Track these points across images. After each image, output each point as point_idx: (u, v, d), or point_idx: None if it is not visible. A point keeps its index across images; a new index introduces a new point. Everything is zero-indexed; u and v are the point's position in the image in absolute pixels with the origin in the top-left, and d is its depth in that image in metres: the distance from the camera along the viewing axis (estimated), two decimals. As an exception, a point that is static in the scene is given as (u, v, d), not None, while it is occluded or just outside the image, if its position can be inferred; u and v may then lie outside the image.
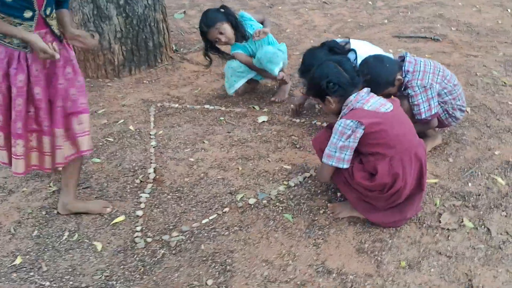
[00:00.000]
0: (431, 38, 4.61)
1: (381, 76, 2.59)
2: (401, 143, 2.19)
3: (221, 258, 2.21)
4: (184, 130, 3.29)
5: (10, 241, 2.41)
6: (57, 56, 2.09)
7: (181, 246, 2.30)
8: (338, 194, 2.58)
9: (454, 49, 4.36)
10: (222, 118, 3.42)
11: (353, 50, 2.82)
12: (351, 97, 2.23)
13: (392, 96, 2.48)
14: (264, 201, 2.56)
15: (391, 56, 3.02)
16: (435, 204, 2.47)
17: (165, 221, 2.47)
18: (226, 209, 2.51)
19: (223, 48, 3.62)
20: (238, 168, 2.84)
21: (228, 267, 2.16)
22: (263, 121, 3.35)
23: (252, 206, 2.53)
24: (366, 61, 2.67)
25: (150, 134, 3.25)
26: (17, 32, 2.04)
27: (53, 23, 2.20)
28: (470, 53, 4.25)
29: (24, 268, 2.24)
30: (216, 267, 2.16)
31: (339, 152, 2.20)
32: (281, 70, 3.42)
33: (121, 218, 2.50)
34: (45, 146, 2.30)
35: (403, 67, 2.65)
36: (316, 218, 2.43)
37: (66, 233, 2.43)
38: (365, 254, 2.20)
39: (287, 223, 2.40)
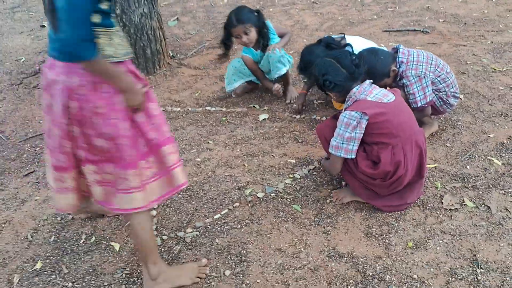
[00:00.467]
0: (420, 30, 4.73)
1: (377, 68, 2.69)
2: (404, 132, 2.29)
3: (236, 250, 2.29)
4: (188, 132, 3.38)
5: (29, 248, 2.48)
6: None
7: (196, 241, 2.39)
8: (343, 183, 2.67)
9: (444, 40, 4.49)
10: (224, 118, 3.51)
11: (349, 44, 2.93)
12: (354, 89, 2.33)
13: (388, 88, 2.58)
14: (272, 194, 2.65)
15: (384, 49, 3.13)
16: (437, 187, 2.58)
17: (179, 219, 2.55)
18: (236, 204, 2.60)
19: (235, 47, 3.67)
20: (244, 165, 2.94)
21: (243, 257, 2.25)
22: (264, 119, 3.45)
23: (261, 199, 2.62)
24: (360, 54, 2.77)
25: (156, 138, 3.33)
26: (124, 78, 1.72)
27: None
28: (459, 43, 4.38)
29: (46, 272, 2.32)
30: (232, 259, 2.25)
31: (346, 143, 2.30)
32: (287, 72, 3.55)
33: (136, 218, 2.58)
34: None
35: (397, 59, 2.76)
36: (324, 207, 2.52)
37: (83, 236, 2.51)
38: (373, 237, 2.30)
39: (296, 213, 2.50)
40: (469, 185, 2.57)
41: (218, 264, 2.23)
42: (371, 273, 2.10)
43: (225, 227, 2.46)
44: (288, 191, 2.67)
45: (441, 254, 2.16)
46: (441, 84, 2.80)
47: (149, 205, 1.91)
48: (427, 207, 2.45)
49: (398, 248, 2.22)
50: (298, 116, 3.44)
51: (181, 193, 2.75)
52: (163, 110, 3.67)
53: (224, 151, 3.11)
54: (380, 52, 2.78)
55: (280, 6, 6.00)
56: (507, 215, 2.35)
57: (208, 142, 3.22)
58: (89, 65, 1.61)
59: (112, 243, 2.43)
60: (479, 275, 2.04)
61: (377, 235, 2.31)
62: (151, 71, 4.34)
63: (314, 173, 2.81)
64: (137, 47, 4.18)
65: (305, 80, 3.61)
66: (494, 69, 3.80)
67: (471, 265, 2.09)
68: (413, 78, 2.71)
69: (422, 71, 2.72)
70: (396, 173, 2.31)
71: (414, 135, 2.33)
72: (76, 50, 1.54)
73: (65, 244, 2.48)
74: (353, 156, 2.34)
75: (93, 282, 2.22)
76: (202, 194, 2.72)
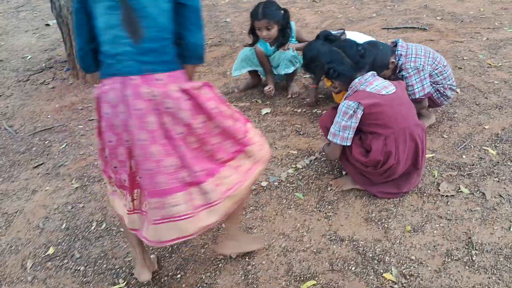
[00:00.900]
0: (418, 28, 4.84)
1: (376, 60, 2.79)
2: (398, 124, 2.38)
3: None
4: (193, 125, 3.47)
5: (41, 235, 2.58)
6: None
7: (203, 226, 2.48)
8: (344, 172, 2.77)
9: (441, 36, 4.60)
10: (227, 112, 3.61)
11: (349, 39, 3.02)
12: (356, 80, 2.43)
13: (393, 81, 2.68)
14: (276, 183, 2.75)
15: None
16: (434, 176, 2.68)
17: (185, 206, 2.65)
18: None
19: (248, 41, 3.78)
20: (248, 156, 3.03)
21: (248, 241, 2.35)
22: (267, 113, 3.55)
23: (265, 188, 2.72)
24: (357, 44, 2.87)
25: (161, 131, 3.43)
26: None
27: None
28: (456, 40, 4.48)
29: (58, 257, 2.41)
30: (238, 242, 2.35)
31: (343, 131, 2.41)
32: (295, 71, 3.69)
33: (144, 206, 2.67)
34: None
35: (396, 52, 2.86)
36: (325, 195, 2.62)
37: (94, 224, 2.61)
38: (373, 222, 2.40)
39: (299, 201, 2.60)
40: (465, 173, 2.67)
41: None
42: (371, 255, 2.20)
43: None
44: (291, 180, 2.77)
45: (437, 237, 2.26)
46: (438, 77, 2.91)
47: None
48: (425, 194, 2.55)
49: (397, 232, 2.32)
50: (299, 110, 3.54)
51: (188, 183, 2.84)
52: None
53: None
54: (380, 44, 2.87)
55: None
56: (500, 200, 2.45)
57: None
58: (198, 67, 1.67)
59: (123, 229, 2.53)
60: (474, 256, 2.14)
61: (376, 220, 2.41)
62: (155, 67, 4.43)
63: (316, 163, 2.91)
64: (142, 44, 4.27)
65: (312, 76, 3.70)
66: (490, 64, 3.90)
67: (466, 247, 2.19)
68: (412, 71, 2.81)
69: (420, 64, 2.82)
70: (387, 162, 2.40)
71: (409, 128, 2.41)
72: (203, 53, 1.68)
73: (76, 231, 2.57)
74: (349, 144, 2.44)
75: (104, 265, 2.32)
76: (207, 183, 2.82)
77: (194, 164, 1.66)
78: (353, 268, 2.14)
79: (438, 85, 2.93)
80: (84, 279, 2.25)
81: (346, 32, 3.30)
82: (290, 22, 3.56)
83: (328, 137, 2.48)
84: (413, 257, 2.16)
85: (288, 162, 2.94)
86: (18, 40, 5.61)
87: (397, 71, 2.88)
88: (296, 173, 2.83)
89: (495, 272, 2.04)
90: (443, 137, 3.02)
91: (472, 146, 2.90)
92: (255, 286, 2.10)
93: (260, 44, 3.68)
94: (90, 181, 2.98)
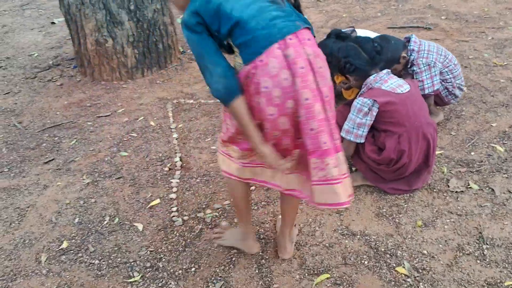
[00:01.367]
0: (423, 27, 4.87)
1: (388, 54, 2.81)
2: (411, 123, 2.42)
3: (254, 229, 2.42)
4: (202, 122, 3.51)
5: (54, 229, 2.60)
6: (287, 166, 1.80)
7: (216, 221, 2.51)
8: (353, 168, 2.80)
9: (446, 36, 4.63)
10: (236, 109, 3.63)
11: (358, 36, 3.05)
12: (371, 77, 2.46)
13: (406, 79, 2.71)
14: (286, 179, 2.78)
15: None
16: (443, 172, 2.71)
17: (198, 201, 2.68)
18: (252, 188, 2.72)
19: None
20: (258, 152, 3.06)
21: (261, 235, 2.38)
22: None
23: (276, 183, 2.75)
24: (373, 40, 2.89)
25: (171, 128, 3.46)
26: (255, 137, 1.68)
27: None
28: (461, 39, 4.52)
29: (72, 251, 2.44)
30: (251, 237, 2.38)
31: (357, 128, 2.44)
32: None
33: (157, 201, 2.70)
34: None
35: (409, 46, 2.89)
36: (336, 190, 2.65)
37: (107, 218, 2.63)
38: (384, 217, 2.43)
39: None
40: (474, 170, 2.70)
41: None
42: (383, 249, 2.23)
43: (243, 208, 2.58)
44: (301, 176, 2.79)
45: (448, 232, 2.29)
46: (448, 75, 2.94)
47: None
48: (434, 190, 2.58)
49: (408, 227, 2.35)
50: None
51: (199, 178, 2.88)
52: (176, 103, 3.82)
53: (237, 140, 3.23)
54: (392, 39, 2.90)
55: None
56: (510, 196, 2.48)
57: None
58: None
59: (136, 224, 2.56)
60: (485, 250, 2.17)
61: (387, 215, 2.44)
62: (162, 65, 4.47)
63: (326, 159, 2.93)
64: (150, 42, 4.30)
65: None
66: (495, 63, 3.94)
67: (477, 242, 2.22)
68: (423, 66, 2.84)
69: (432, 60, 2.85)
70: (400, 161, 2.44)
71: (422, 127, 2.44)
72: None
73: (89, 225, 2.60)
74: (362, 141, 2.47)
75: (119, 259, 2.35)
76: (219, 179, 2.85)
77: (335, 130, 1.68)
78: (365, 262, 2.17)
79: (447, 83, 2.96)
80: (99, 273, 2.28)
81: (356, 30, 3.33)
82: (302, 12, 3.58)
83: (341, 133, 2.50)
84: (425, 251, 2.19)
85: (298, 159, 2.97)
86: (24, 38, 5.63)
87: (409, 66, 2.91)
88: (306, 169, 2.85)
89: (506, 266, 2.08)
90: (451, 134, 3.05)
91: (480, 143, 2.94)
92: (269, 279, 2.13)
93: None
94: (101, 176, 3.00)
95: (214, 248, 2.35)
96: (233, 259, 2.27)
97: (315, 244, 2.30)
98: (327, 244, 2.29)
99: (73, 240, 2.51)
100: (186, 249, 2.36)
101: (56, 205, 2.79)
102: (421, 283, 2.03)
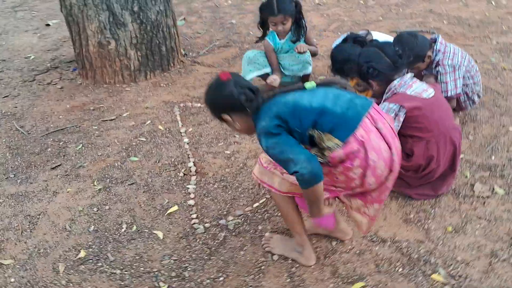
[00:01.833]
0: (427, 31, 4.87)
1: (414, 50, 2.77)
2: (438, 128, 2.38)
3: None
4: (213, 126, 3.43)
5: (69, 237, 2.50)
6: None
7: (239, 228, 2.44)
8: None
9: (451, 40, 4.63)
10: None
11: (376, 40, 3.01)
12: (395, 82, 2.41)
13: (430, 84, 2.67)
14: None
15: None
16: (466, 176, 2.68)
17: (218, 208, 2.60)
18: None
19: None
20: (274, 157, 2.99)
21: (289, 243, 2.31)
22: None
23: (297, 189, 2.68)
24: (401, 35, 2.85)
25: (181, 132, 3.38)
26: (321, 211, 1.91)
27: None
28: (466, 43, 4.53)
29: (90, 260, 2.34)
30: (278, 244, 2.31)
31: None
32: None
33: (175, 208, 2.62)
34: None
35: (435, 47, 2.86)
36: (360, 196, 2.60)
37: (124, 226, 2.54)
38: (412, 223, 2.38)
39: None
40: (497, 174, 2.68)
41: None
42: (416, 256, 2.18)
43: (266, 214, 2.52)
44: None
45: (480, 238, 2.26)
46: (469, 80, 2.92)
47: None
48: (460, 195, 2.55)
49: (438, 233, 2.31)
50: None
51: (216, 184, 2.80)
52: (183, 106, 3.73)
53: (251, 144, 3.17)
54: (419, 36, 2.85)
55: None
56: (537, 201, 2.46)
57: (235, 136, 3.27)
58: None
59: (155, 231, 2.47)
60: (519, 256, 2.14)
61: (415, 221, 2.39)
62: (165, 68, 4.38)
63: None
64: (153, 44, 4.22)
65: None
66: (504, 67, 3.94)
67: (511, 247, 2.19)
68: (449, 68, 2.82)
69: (457, 63, 2.82)
70: (428, 167, 2.40)
71: (449, 132, 2.41)
72: None
73: (106, 233, 2.50)
74: None
75: (142, 269, 2.26)
76: (237, 184, 2.78)
77: None
78: (400, 270, 2.12)
79: (467, 88, 2.94)
80: (122, 283, 2.18)
81: (371, 32, 3.30)
82: (302, 14, 3.55)
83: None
84: (458, 258, 2.15)
85: (316, 163, 2.91)
86: (19, 40, 5.48)
87: (433, 66, 2.88)
88: (327, 174, 2.80)
89: (543, 272, 2.05)
90: (469, 138, 3.03)
91: (499, 147, 2.92)
92: (302, 288, 2.06)
93: (269, 36, 3.65)
94: (113, 182, 2.90)
95: (240, 256, 2.27)
96: (262, 267, 2.19)
97: (345, 251, 2.24)
98: (357, 251, 2.23)
99: (91, 249, 2.41)
100: (212, 257, 2.28)
101: (69, 212, 2.68)
102: (459, 291, 1.99)
